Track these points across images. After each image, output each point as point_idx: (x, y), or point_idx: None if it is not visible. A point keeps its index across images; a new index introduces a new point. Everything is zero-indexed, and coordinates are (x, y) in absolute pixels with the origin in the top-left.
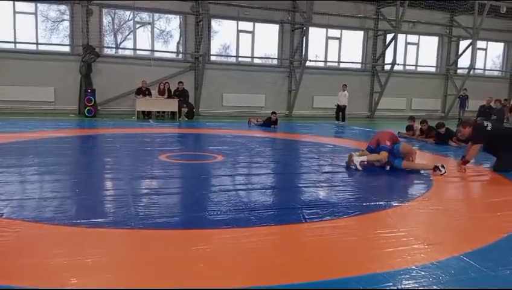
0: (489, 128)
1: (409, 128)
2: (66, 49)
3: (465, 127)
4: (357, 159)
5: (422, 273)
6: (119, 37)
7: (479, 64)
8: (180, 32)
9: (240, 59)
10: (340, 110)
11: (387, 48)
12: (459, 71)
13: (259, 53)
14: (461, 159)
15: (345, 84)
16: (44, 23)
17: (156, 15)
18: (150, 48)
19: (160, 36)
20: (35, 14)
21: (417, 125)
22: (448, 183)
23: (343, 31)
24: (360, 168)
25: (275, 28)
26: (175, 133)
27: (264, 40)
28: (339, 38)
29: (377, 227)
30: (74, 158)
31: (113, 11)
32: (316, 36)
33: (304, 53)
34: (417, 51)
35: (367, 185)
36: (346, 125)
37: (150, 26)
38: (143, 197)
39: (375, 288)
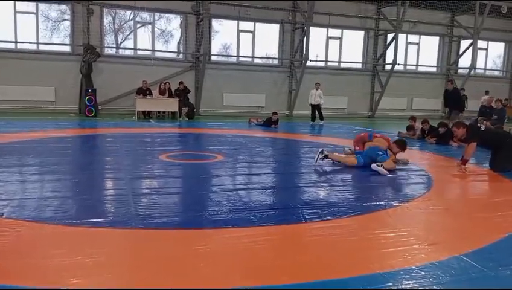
0: (482, 128)
1: (410, 128)
2: (67, 49)
3: (458, 128)
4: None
5: (423, 273)
6: (120, 37)
7: (479, 64)
8: (181, 32)
9: (240, 59)
10: (315, 109)
11: (388, 47)
12: (459, 71)
13: (260, 53)
14: (460, 160)
15: (318, 83)
16: (45, 23)
17: (157, 15)
18: (150, 48)
19: (160, 36)
20: (36, 13)
21: (418, 125)
22: (448, 183)
23: (343, 30)
24: (321, 162)
25: (275, 27)
26: (175, 133)
27: (265, 40)
28: (340, 38)
29: (377, 227)
30: (74, 158)
31: (113, 10)
32: (317, 36)
33: (304, 53)
34: (418, 50)
35: (367, 185)
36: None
37: (150, 26)
38: (143, 197)
39: (375, 288)
